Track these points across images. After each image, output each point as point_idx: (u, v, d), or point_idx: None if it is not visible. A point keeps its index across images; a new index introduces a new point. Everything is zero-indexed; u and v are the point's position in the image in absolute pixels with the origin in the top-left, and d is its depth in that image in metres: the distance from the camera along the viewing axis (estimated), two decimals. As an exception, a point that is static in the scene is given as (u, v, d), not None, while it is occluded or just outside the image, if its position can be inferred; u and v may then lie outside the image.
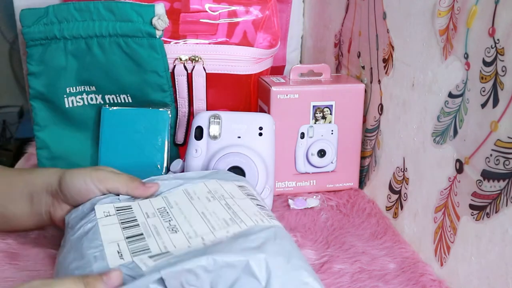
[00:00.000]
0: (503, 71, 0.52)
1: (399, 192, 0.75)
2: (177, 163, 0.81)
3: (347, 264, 0.66)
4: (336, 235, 0.73)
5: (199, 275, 0.46)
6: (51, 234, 0.71)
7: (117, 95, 0.85)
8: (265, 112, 0.83)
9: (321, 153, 0.84)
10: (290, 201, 0.81)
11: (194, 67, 0.86)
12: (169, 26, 0.84)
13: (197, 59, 0.85)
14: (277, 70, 1.07)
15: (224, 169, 0.75)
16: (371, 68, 0.82)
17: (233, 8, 0.87)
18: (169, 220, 0.56)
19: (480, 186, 0.56)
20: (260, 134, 0.77)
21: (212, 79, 0.87)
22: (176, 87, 0.86)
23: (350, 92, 0.83)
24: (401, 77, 0.72)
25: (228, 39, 0.86)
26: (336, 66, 0.97)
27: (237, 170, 0.75)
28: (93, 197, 0.61)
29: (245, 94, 0.89)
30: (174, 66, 0.85)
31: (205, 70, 0.86)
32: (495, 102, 0.53)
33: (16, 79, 2.25)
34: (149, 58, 0.81)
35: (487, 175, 0.55)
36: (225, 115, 0.77)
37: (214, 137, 0.77)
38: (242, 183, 0.66)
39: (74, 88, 0.84)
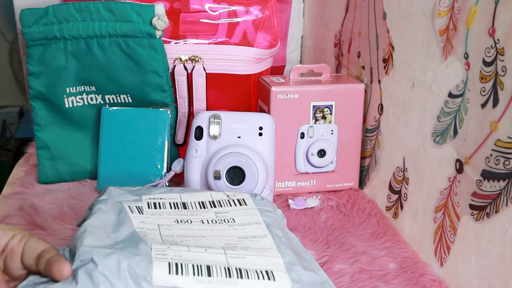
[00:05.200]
0: (503, 71, 0.52)
1: (399, 192, 0.75)
2: (178, 163, 0.81)
3: (347, 264, 0.66)
4: (336, 235, 0.73)
5: None
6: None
7: (117, 95, 0.85)
8: (265, 112, 0.83)
9: (321, 153, 0.84)
10: (290, 201, 0.81)
11: (194, 67, 0.86)
12: (169, 26, 0.84)
13: (197, 59, 0.85)
14: (277, 70, 1.07)
15: (224, 169, 0.75)
16: (371, 68, 0.82)
17: (233, 8, 0.87)
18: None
19: (480, 186, 0.56)
20: (260, 134, 0.77)
21: (212, 79, 0.87)
22: (176, 87, 0.86)
23: (350, 92, 0.83)
24: (401, 77, 0.72)
25: (228, 39, 0.86)
26: (336, 66, 0.97)
27: (237, 170, 0.75)
28: None
29: (245, 94, 0.89)
30: (174, 66, 0.85)
31: (205, 70, 0.86)
32: (495, 102, 0.53)
33: (16, 79, 2.25)
34: (149, 58, 0.81)
35: (487, 175, 0.55)
36: (225, 115, 0.77)
37: (214, 137, 0.77)
38: None
39: (74, 88, 0.84)
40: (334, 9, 0.97)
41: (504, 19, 0.51)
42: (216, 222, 0.59)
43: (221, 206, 0.63)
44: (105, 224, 0.55)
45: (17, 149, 1.96)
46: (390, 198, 0.77)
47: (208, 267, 0.48)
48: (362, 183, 0.87)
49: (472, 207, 0.57)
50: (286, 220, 0.66)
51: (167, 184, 0.83)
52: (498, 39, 0.52)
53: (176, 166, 0.81)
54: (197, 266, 0.48)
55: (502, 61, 0.52)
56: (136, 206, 0.61)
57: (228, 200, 0.64)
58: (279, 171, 0.82)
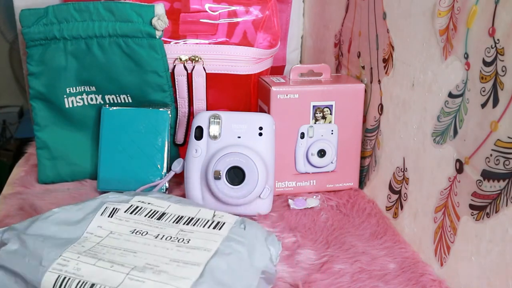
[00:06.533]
0: (503, 71, 0.52)
1: (399, 192, 0.75)
2: (178, 163, 0.81)
3: (347, 264, 0.66)
4: (336, 235, 0.73)
5: None
6: None
7: (117, 95, 0.85)
8: (265, 112, 0.83)
9: (321, 153, 0.84)
10: (290, 201, 0.81)
11: (194, 67, 0.86)
12: (169, 26, 0.84)
13: (197, 59, 0.85)
14: (277, 70, 1.07)
15: (224, 169, 0.75)
16: (371, 68, 0.82)
17: (233, 8, 0.87)
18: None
19: (480, 186, 0.56)
20: (260, 134, 0.77)
21: (212, 79, 0.87)
22: (176, 87, 0.86)
23: (350, 92, 0.83)
24: (401, 77, 0.72)
25: (228, 39, 0.86)
26: (336, 66, 0.97)
27: (237, 170, 0.75)
28: None
29: (245, 94, 0.89)
30: (174, 66, 0.85)
31: (205, 70, 0.86)
32: (495, 102, 0.53)
33: (16, 79, 2.25)
34: (149, 58, 0.81)
35: (487, 175, 0.55)
36: (225, 115, 0.77)
37: (214, 137, 0.77)
38: None
39: (74, 88, 0.84)
40: (334, 9, 0.97)
41: (504, 19, 0.51)
42: (169, 239, 0.59)
43: (193, 225, 0.62)
44: (61, 222, 0.59)
45: (17, 149, 1.96)
46: (390, 198, 0.77)
47: (92, 285, 0.50)
48: (362, 183, 0.87)
49: (472, 207, 0.57)
50: (277, 260, 0.62)
51: (167, 184, 0.83)
52: (498, 39, 0.52)
53: (176, 166, 0.81)
54: (83, 282, 0.50)
55: (502, 61, 0.52)
56: (113, 208, 0.62)
57: (208, 220, 0.63)
58: (279, 171, 0.82)
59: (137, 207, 0.63)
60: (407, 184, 0.72)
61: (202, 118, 0.77)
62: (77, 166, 0.87)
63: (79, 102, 0.85)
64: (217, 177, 0.75)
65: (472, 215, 0.57)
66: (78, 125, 0.87)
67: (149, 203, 0.64)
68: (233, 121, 0.77)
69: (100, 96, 0.85)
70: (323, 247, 0.70)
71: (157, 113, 0.84)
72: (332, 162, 0.85)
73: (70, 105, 0.85)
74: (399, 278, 0.63)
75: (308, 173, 0.85)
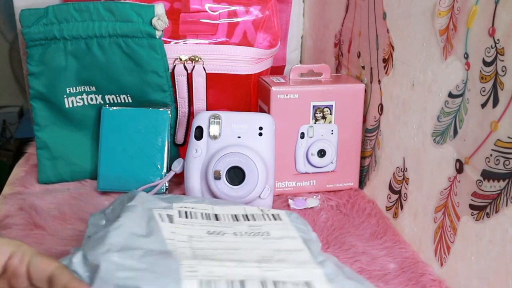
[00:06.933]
0: (503, 71, 0.52)
1: (399, 192, 0.75)
2: (178, 163, 0.81)
3: (347, 264, 0.66)
4: (336, 235, 0.73)
5: None
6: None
7: (117, 95, 0.85)
8: (265, 112, 0.83)
9: (321, 153, 0.84)
10: (290, 201, 0.81)
11: (194, 67, 0.86)
12: (169, 26, 0.84)
13: (197, 59, 0.85)
14: (277, 70, 1.07)
15: (224, 168, 0.75)
16: (371, 68, 0.82)
17: (233, 8, 0.87)
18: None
19: (480, 186, 0.56)
20: (260, 134, 0.77)
21: (212, 79, 0.87)
22: (176, 87, 0.86)
23: (350, 92, 0.83)
24: (401, 77, 0.72)
25: (228, 39, 0.86)
26: (336, 66, 0.97)
27: (237, 170, 0.75)
28: None
29: (245, 94, 0.89)
30: (174, 66, 0.85)
31: (205, 70, 0.86)
32: (495, 102, 0.53)
33: (16, 79, 2.25)
34: (149, 58, 0.81)
35: (487, 175, 0.55)
36: (225, 115, 0.77)
37: (214, 137, 0.77)
38: None
39: (74, 88, 0.84)
40: (334, 9, 0.97)
41: (504, 19, 0.51)
42: (250, 234, 0.57)
43: (255, 220, 0.60)
44: (133, 234, 0.53)
45: (17, 149, 1.96)
46: (390, 198, 0.77)
47: (242, 282, 0.46)
48: (362, 183, 0.87)
49: (472, 207, 0.57)
50: (320, 244, 0.61)
51: (167, 184, 0.83)
52: (498, 39, 0.52)
53: (176, 166, 0.81)
54: (230, 282, 0.46)
55: (502, 61, 0.52)
56: (167, 214, 0.59)
57: (262, 215, 0.62)
58: (279, 171, 0.82)
59: (186, 211, 0.60)
60: (407, 184, 0.72)
61: (202, 118, 0.77)
62: (77, 166, 0.87)
63: (79, 102, 0.85)
64: (217, 177, 0.75)
65: (472, 215, 0.57)
66: (78, 125, 0.87)
67: (192, 208, 0.62)
68: (233, 121, 0.77)
69: (100, 96, 0.85)
70: (323, 247, 0.70)
71: (157, 113, 0.84)
72: (332, 162, 0.85)
73: (70, 105, 0.85)
74: (399, 278, 0.63)
75: (308, 173, 0.85)
